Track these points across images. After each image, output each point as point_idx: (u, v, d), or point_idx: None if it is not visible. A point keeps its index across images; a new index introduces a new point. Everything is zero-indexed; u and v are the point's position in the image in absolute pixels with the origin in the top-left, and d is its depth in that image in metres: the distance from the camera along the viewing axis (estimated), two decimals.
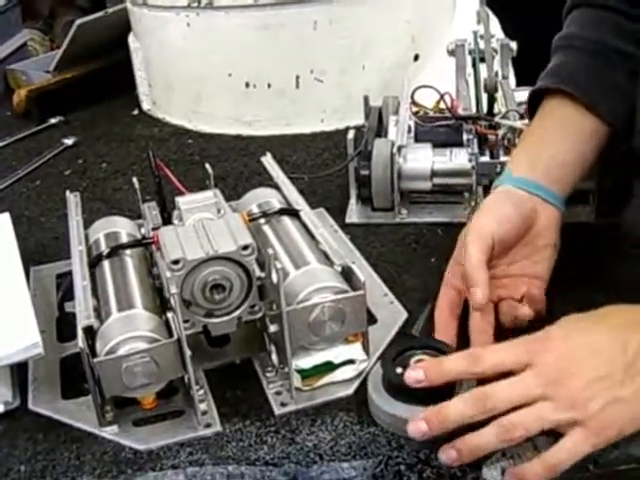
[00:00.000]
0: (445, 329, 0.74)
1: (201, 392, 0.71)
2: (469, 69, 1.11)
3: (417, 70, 1.32)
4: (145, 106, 1.50)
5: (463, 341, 0.73)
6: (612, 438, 0.60)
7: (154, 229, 0.79)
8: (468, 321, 0.74)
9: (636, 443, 0.62)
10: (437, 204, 1.01)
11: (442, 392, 0.65)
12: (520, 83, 1.16)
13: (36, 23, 2.06)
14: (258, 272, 0.69)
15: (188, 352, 0.66)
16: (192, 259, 0.67)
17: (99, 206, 1.11)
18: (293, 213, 0.83)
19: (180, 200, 0.78)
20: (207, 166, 0.84)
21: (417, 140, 1.02)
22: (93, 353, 0.66)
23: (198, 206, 0.77)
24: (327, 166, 1.18)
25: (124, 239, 0.81)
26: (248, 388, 0.73)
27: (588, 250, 0.85)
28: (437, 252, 0.91)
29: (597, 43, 0.83)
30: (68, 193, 0.90)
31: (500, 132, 0.97)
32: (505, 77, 1.08)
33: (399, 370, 0.66)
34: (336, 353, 0.72)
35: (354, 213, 1.02)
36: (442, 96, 1.04)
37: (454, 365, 0.64)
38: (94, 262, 0.77)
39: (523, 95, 1.00)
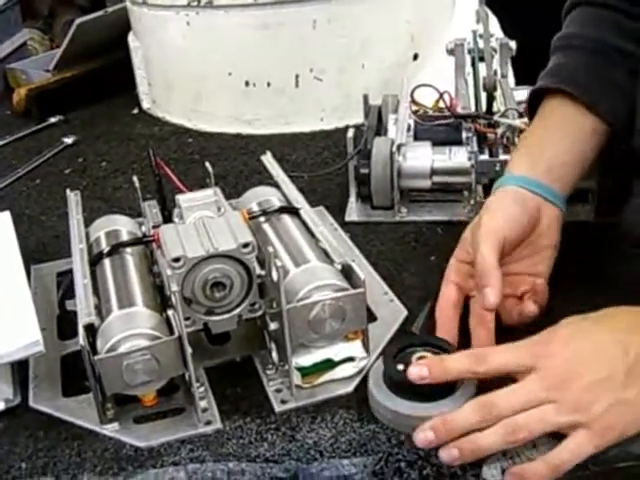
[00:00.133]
0: (447, 327, 0.74)
1: (202, 389, 0.71)
2: (468, 68, 1.11)
3: (416, 69, 1.32)
4: (145, 105, 1.50)
5: (464, 339, 0.73)
6: (614, 439, 0.60)
7: (155, 227, 0.79)
8: (468, 319, 0.74)
9: (635, 441, 0.62)
10: (436, 202, 1.01)
11: (443, 389, 0.65)
12: (519, 82, 1.16)
13: (36, 23, 2.06)
14: (258, 270, 0.69)
15: (189, 350, 0.66)
16: (193, 257, 0.67)
17: (99, 205, 1.11)
18: (293, 211, 0.83)
19: (180, 198, 0.78)
20: (207, 165, 0.84)
21: (416, 139, 1.02)
22: (94, 351, 0.66)
23: (198, 204, 0.77)
24: (327, 165, 1.18)
25: (125, 237, 0.82)
26: (248, 386, 0.73)
27: (587, 249, 0.85)
28: (437, 250, 0.91)
29: (597, 42, 0.83)
30: (68, 192, 0.90)
31: (499, 130, 0.97)
32: (504, 76, 1.08)
33: (400, 367, 0.67)
34: (336, 351, 0.72)
35: (354, 211, 1.02)
36: (441, 95, 1.04)
37: (457, 364, 0.65)
38: (95, 260, 0.78)
39: (522, 94, 1.00)
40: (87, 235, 0.83)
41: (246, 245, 0.68)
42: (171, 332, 0.67)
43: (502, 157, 0.95)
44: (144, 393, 0.69)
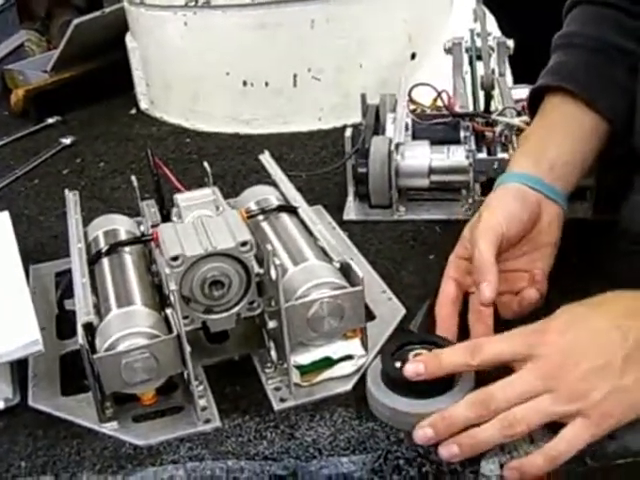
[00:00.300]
0: (447, 324, 0.74)
1: (200, 388, 0.71)
2: (466, 67, 1.11)
3: (414, 68, 1.32)
4: (143, 105, 1.50)
5: (463, 335, 0.73)
6: (612, 427, 0.60)
7: (153, 226, 0.79)
8: (467, 315, 0.74)
9: (633, 436, 0.62)
10: (435, 201, 1.01)
11: (441, 385, 0.65)
12: (517, 81, 1.17)
13: (33, 24, 2.06)
14: (257, 268, 0.70)
15: (187, 348, 0.66)
16: (191, 255, 0.67)
17: (97, 205, 1.11)
18: (291, 210, 0.83)
19: (179, 197, 0.78)
20: (205, 164, 0.84)
21: (414, 137, 1.02)
22: (93, 349, 0.66)
23: (197, 203, 0.77)
24: (325, 164, 1.18)
25: (123, 236, 0.82)
26: (247, 384, 0.73)
27: (586, 246, 0.86)
28: (435, 249, 0.91)
29: (597, 40, 0.83)
30: (67, 191, 0.90)
31: (497, 129, 0.97)
32: (502, 75, 1.09)
33: (398, 364, 0.67)
34: (335, 349, 0.72)
35: (352, 210, 1.02)
36: (439, 94, 1.04)
37: (452, 357, 0.65)
38: (93, 259, 0.78)
39: (520, 92, 1.01)
40: (85, 234, 0.83)
41: (244, 244, 0.68)
42: (170, 331, 0.67)
43: (500, 155, 0.95)
44: (143, 392, 0.69)
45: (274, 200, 0.85)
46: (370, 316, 0.78)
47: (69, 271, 0.79)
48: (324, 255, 0.75)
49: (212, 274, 0.68)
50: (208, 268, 0.68)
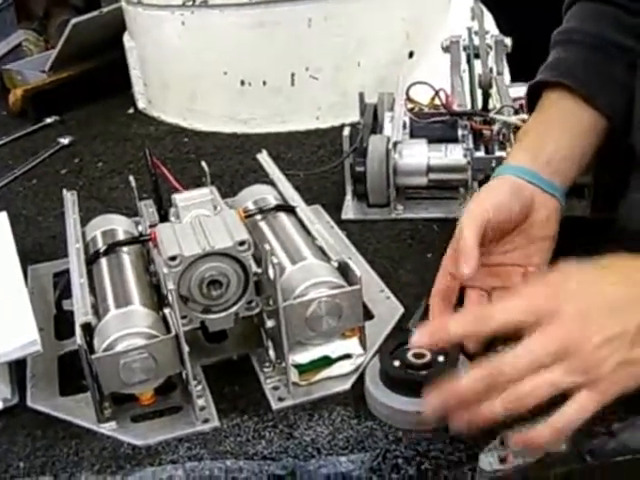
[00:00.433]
0: (439, 316, 0.73)
1: (199, 388, 0.71)
2: (464, 65, 1.11)
3: (412, 67, 1.32)
4: (140, 105, 1.50)
5: None
6: (615, 395, 0.59)
7: (151, 226, 0.79)
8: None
9: (632, 434, 0.62)
10: (433, 200, 1.02)
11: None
12: (514, 79, 1.16)
13: (31, 24, 2.06)
14: (255, 268, 0.70)
15: (186, 348, 0.66)
16: (189, 255, 0.67)
17: (95, 205, 1.12)
18: (289, 209, 0.83)
19: (177, 197, 0.78)
20: (203, 164, 0.84)
21: (412, 136, 1.02)
22: (91, 350, 0.66)
23: (194, 203, 0.77)
24: (323, 163, 1.18)
25: (121, 236, 0.82)
26: (246, 383, 0.73)
27: (583, 244, 0.85)
28: (433, 248, 0.91)
29: (596, 37, 0.83)
30: (65, 191, 0.90)
31: (495, 127, 0.97)
32: (499, 73, 1.09)
33: (396, 363, 0.67)
34: (333, 348, 0.72)
35: (350, 209, 1.02)
36: (437, 92, 1.04)
37: (461, 325, 0.63)
38: (91, 259, 0.78)
39: (517, 91, 1.01)
40: (83, 235, 0.83)
41: (242, 243, 0.68)
42: (168, 331, 0.67)
43: (498, 154, 0.95)
44: (141, 392, 0.69)
45: (272, 199, 0.85)
46: (368, 315, 0.78)
47: (67, 271, 0.79)
48: (322, 254, 0.75)
49: (210, 274, 0.68)
50: (206, 268, 0.68)
